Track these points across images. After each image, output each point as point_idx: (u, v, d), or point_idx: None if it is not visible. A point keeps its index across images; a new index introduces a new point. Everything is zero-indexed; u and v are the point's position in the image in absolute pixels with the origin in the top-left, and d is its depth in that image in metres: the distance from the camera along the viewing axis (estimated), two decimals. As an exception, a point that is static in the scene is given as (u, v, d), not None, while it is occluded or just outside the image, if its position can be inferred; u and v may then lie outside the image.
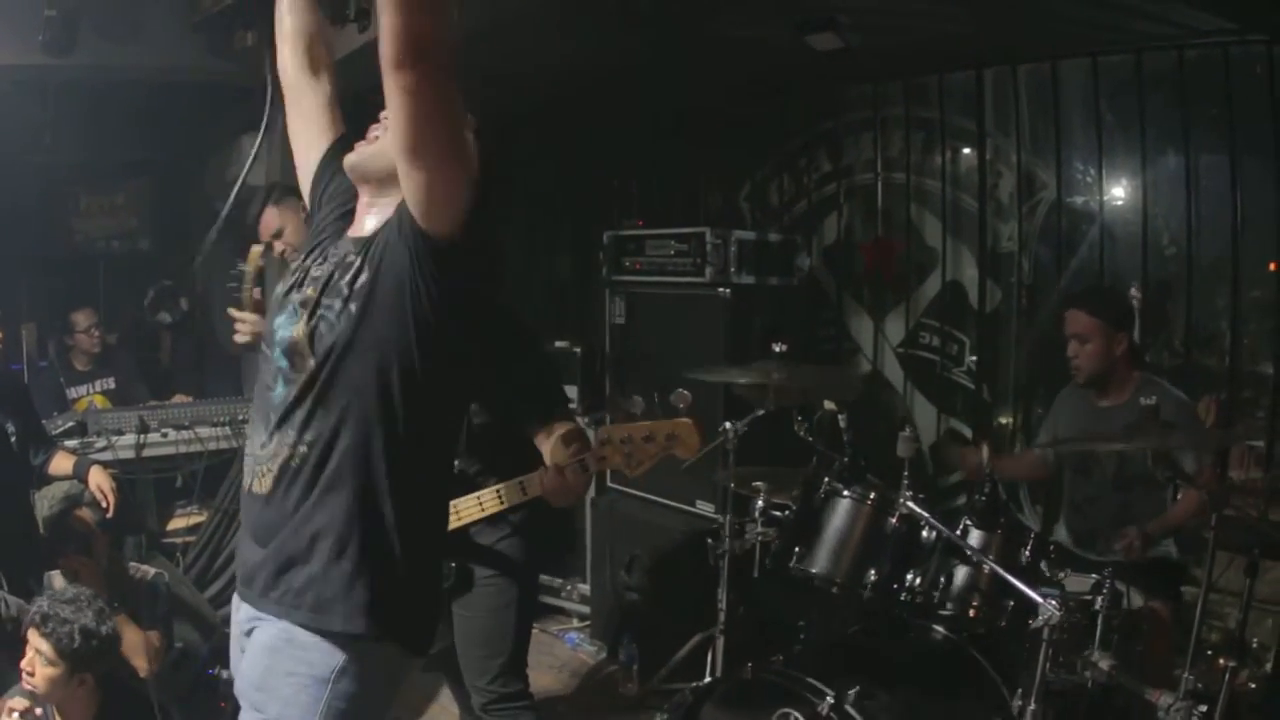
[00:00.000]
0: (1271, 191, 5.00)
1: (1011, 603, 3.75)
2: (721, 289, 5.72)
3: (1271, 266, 5.16)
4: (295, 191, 4.31)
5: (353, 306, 2.31)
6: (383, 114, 2.39)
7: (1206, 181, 5.30)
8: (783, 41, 5.49)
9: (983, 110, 6.19)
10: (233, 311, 4.27)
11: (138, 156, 8.69)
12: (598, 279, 6.52)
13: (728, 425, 4.64)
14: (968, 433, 6.25)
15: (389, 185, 2.36)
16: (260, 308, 4.34)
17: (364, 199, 2.53)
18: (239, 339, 4.35)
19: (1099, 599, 3.75)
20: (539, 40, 5.37)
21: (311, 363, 2.33)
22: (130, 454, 6.38)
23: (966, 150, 6.32)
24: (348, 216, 2.58)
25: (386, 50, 2.04)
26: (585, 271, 7.73)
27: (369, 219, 2.47)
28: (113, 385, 7.30)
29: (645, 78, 6.25)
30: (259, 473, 2.40)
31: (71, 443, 5.95)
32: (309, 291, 2.41)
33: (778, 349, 4.60)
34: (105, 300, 7.88)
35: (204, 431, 6.67)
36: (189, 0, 6.39)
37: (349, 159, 2.50)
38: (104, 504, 5.01)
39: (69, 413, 6.65)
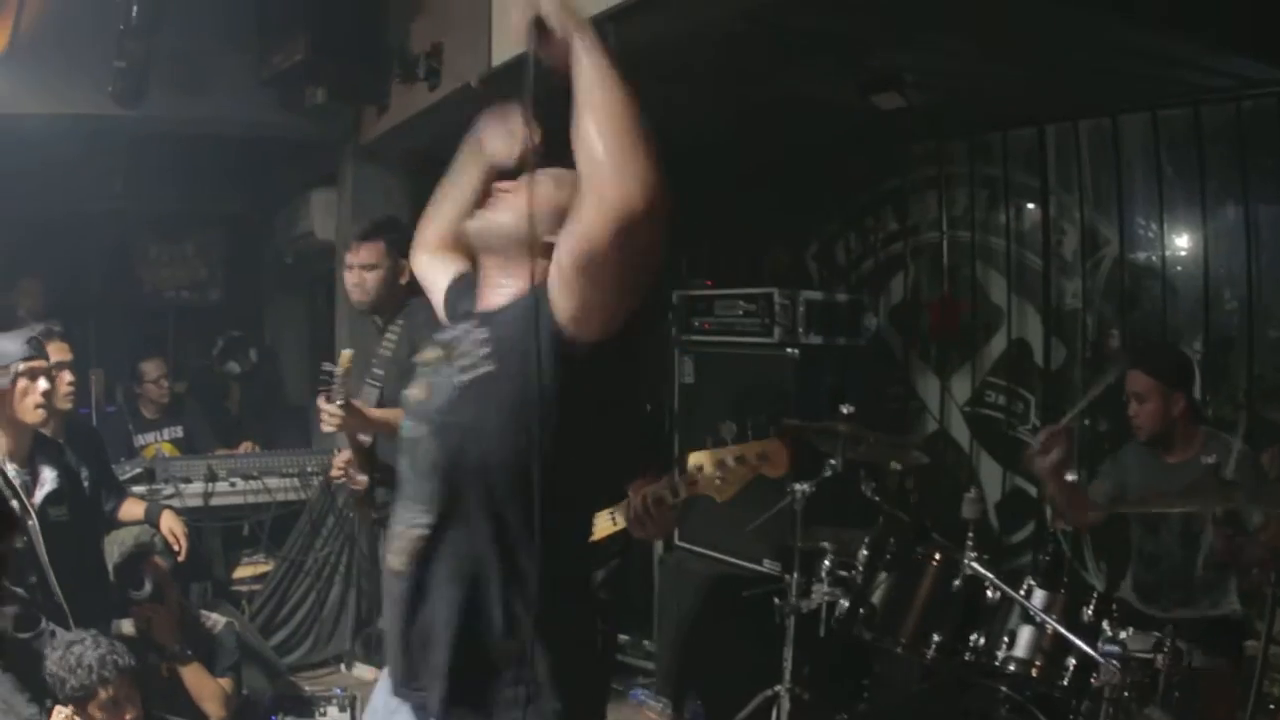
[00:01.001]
0: None
1: (1074, 661, 3.76)
2: (790, 349, 5.71)
3: None
4: (404, 240, 4.39)
5: (464, 380, 2.23)
6: (500, 186, 2.41)
7: (1266, 232, 5.27)
8: (848, 100, 5.51)
9: (1045, 167, 6.17)
10: (321, 403, 4.32)
11: (207, 208, 8.83)
12: (667, 338, 6.50)
13: (796, 486, 4.65)
14: (1032, 491, 6.21)
15: (512, 259, 2.32)
16: (351, 407, 4.37)
17: (486, 269, 2.42)
18: (325, 428, 4.40)
19: (1160, 657, 3.73)
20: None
21: (426, 431, 2.27)
22: (198, 502, 6.48)
23: (1030, 207, 6.29)
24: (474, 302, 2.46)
25: (595, 218, 1.96)
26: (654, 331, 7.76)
27: (496, 294, 2.36)
28: (180, 434, 7.38)
29: (713, 137, 6.29)
30: (394, 548, 2.33)
31: (139, 489, 6.03)
32: (435, 353, 2.37)
33: (845, 410, 4.62)
34: (174, 349, 8.01)
35: (272, 482, 6.75)
36: (259, 56, 6.48)
37: (471, 225, 2.43)
38: (176, 548, 5.08)
39: (137, 459, 6.75)
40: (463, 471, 2.21)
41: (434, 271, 2.77)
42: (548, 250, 2.19)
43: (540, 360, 2.11)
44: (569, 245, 2.03)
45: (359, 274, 4.82)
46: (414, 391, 2.38)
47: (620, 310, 2.11)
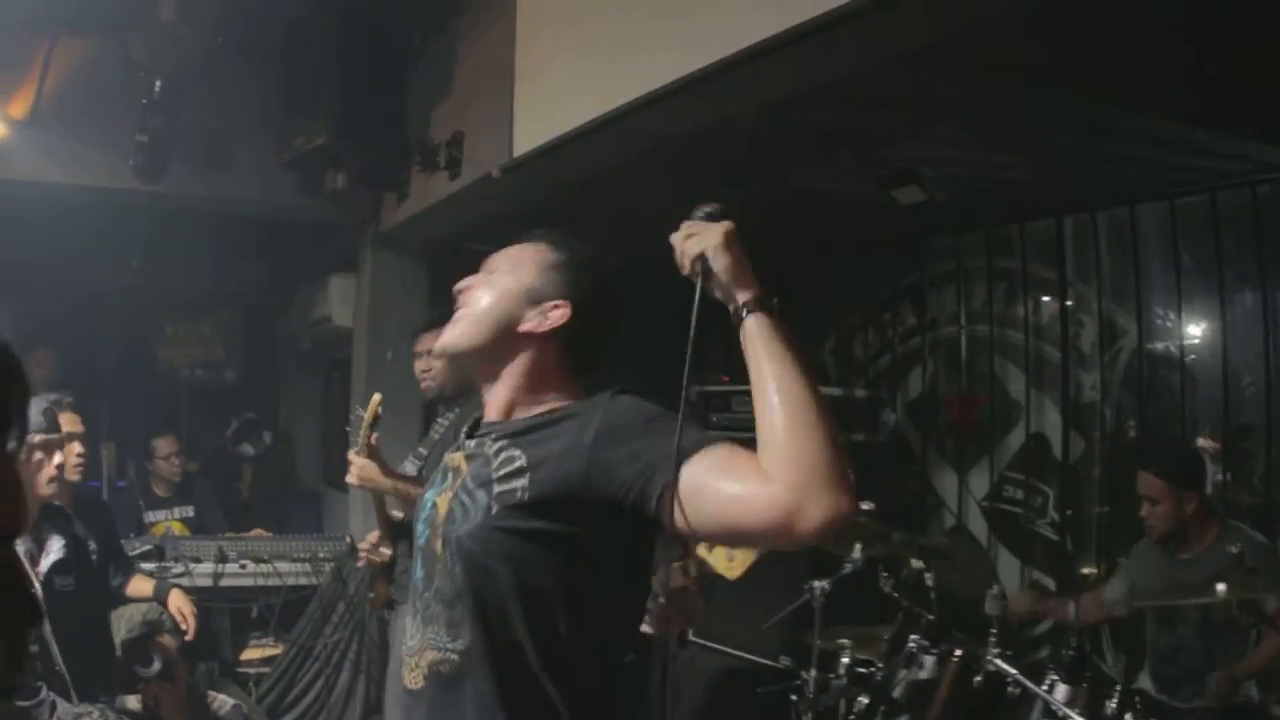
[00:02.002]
0: None
1: (1097, 756, 3.71)
2: (807, 445, 5.67)
3: None
4: None
5: (496, 509, 2.03)
6: (458, 287, 2.25)
7: (1283, 316, 5.27)
8: (866, 195, 5.53)
9: (1063, 258, 6.19)
10: (351, 455, 4.32)
11: (225, 288, 8.86)
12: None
13: (814, 583, 4.62)
14: (1051, 585, 6.15)
15: (492, 361, 2.18)
16: (375, 454, 4.39)
17: (484, 382, 2.24)
18: (350, 480, 4.41)
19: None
20: (634, 193, 5.46)
21: (439, 548, 2.11)
22: (208, 582, 6.47)
23: (1047, 299, 6.30)
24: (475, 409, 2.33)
25: (793, 486, 1.83)
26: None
27: (498, 402, 2.20)
28: (191, 514, 7.37)
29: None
30: (409, 664, 2.15)
31: (148, 566, 6.02)
32: (463, 465, 2.15)
33: (865, 506, 4.59)
34: (187, 428, 8.00)
35: (283, 566, 6.73)
36: (281, 137, 6.51)
37: (440, 343, 2.23)
38: (184, 628, 5.04)
39: (146, 536, 6.75)
40: (493, 602, 2.02)
41: None
42: (524, 340, 2.15)
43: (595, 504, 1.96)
44: (739, 506, 1.89)
45: (427, 362, 4.83)
46: (437, 500, 2.19)
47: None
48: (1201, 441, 5.46)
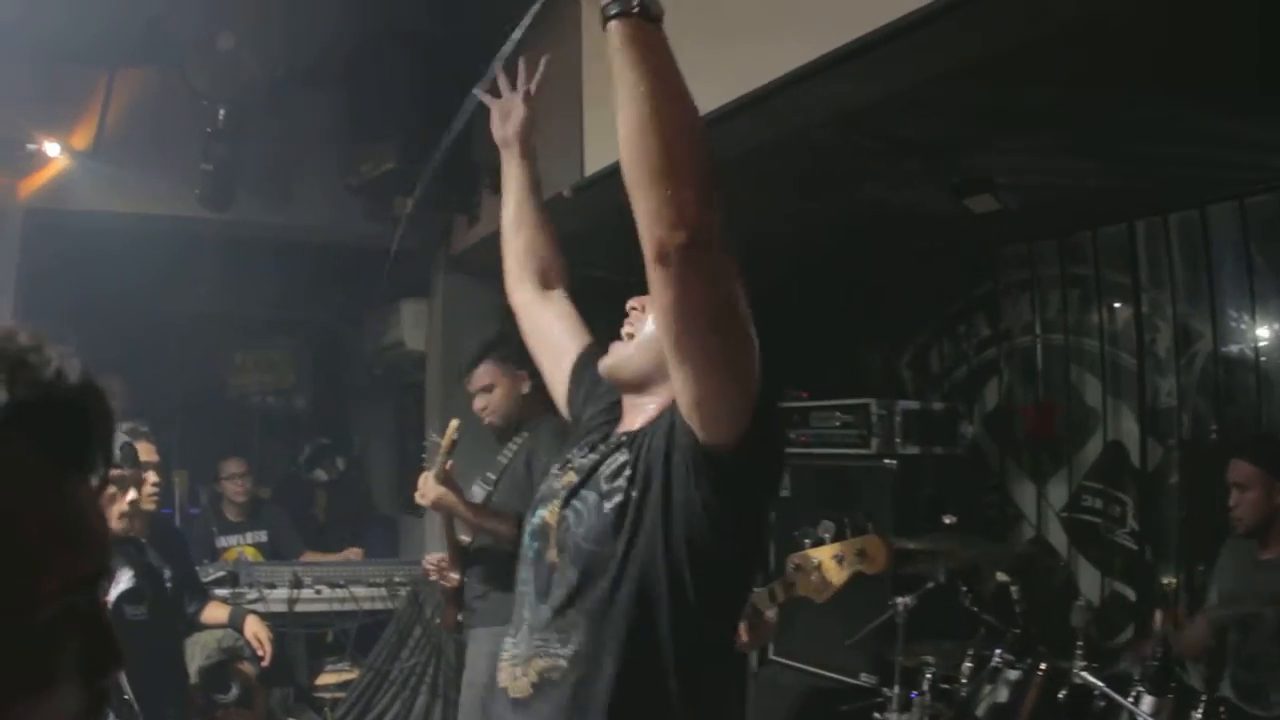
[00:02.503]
0: None
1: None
2: (887, 460, 5.69)
3: None
4: (515, 353, 4.38)
5: (607, 507, 2.12)
6: (631, 304, 2.33)
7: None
8: (940, 205, 5.49)
9: (1136, 263, 6.10)
10: (424, 477, 4.34)
11: (295, 315, 8.93)
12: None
13: (898, 599, 4.58)
14: (1131, 595, 6.07)
15: (652, 384, 2.25)
16: (450, 480, 4.40)
17: (627, 399, 2.34)
18: (420, 500, 4.42)
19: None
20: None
21: (554, 556, 2.18)
22: (282, 608, 6.50)
23: (1121, 305, 6.22)
24: (615, 409, 2.39)
25: (645, 241, 1.86)
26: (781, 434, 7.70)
27: (638, 417, 2.27)
28: (264, 538, 7.40)
29: (803, 245, 6.29)
30: (515, 674, 2.20)
31: (222, 592, 6.07)
32: (570, 477, 2.26)
33: (948, 521, 4.56)
34: (259, 454, 8.03)
35: (359, 591, 6.75)
36: (346, 164, 6.54)
37: (605, 364, 2.34)
38: (260, 653, 5.07)
39: (220, 562, 6.78)
40: (605, 602, 2.09)
41: (549, 328, 2.66)
42: None
43: (687, 475, 2.04)
44: (658, 328, 2.01)
45: (482, 398, 4.87)
46: (545, 516, 2.26)
47: (739, 399, 1.99)
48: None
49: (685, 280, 1.86)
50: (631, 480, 2.12)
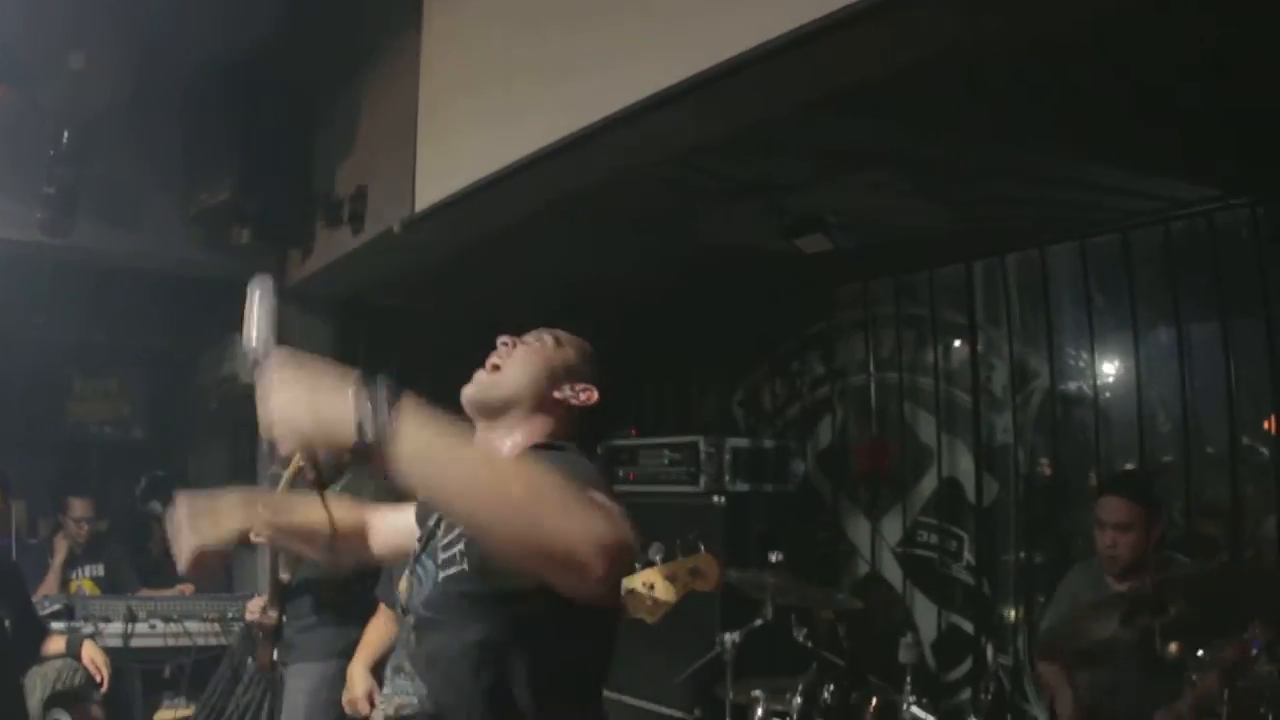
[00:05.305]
0: (1263, 351, 4.93)
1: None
2: (716, 497, 5.70)
3: (1268, 425, 5.05)
4: None
5: (442, 576, 2.19)
6: (501, 339, 2.42)
7: (1198, 350, 5.24)
8: (773, 244, 5.53)
9: (973, 303, 6.20)
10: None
11: (133, 344, 8.75)
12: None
13: (725, 635, 4.59)
14: (968, 628, 6.15)
15: (507, 414, 2.35)
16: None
17: (481, 430, 2.37)
18: (257, 538, 4.32)
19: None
20: (538, 248, 5.43)
21: (410, 621, 2.26)
22: (117, 643, 6.33)
23: (958, 344, 6.32)
24: None
25: (562, 569, 1.75)
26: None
27: None
28: (101, 572, 7.23)
29: (634, 283, 6.30)
30: (385, 711, 2.26)
31: (58, 625, 5.92)
32: (416, 545, 2.35)
33: (774, 558, 4.58)
34: (97, 485, 7.82)
35: (193, 626, 6.61)
36: (187, 192, 6.44)
37: (468, 392, 2.37)
38: (98, 679, 5.02)
39: (56, 595, 6.61)
40: (453, 659, 2.13)
41: (391, 527, 2.67)
42: (556, 406, 2.37)
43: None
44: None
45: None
46: (400, 584, 2.38)
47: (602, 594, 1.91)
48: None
49: (607, 581, 1.79)
50: (463, 554, 2.16)
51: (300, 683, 4.49)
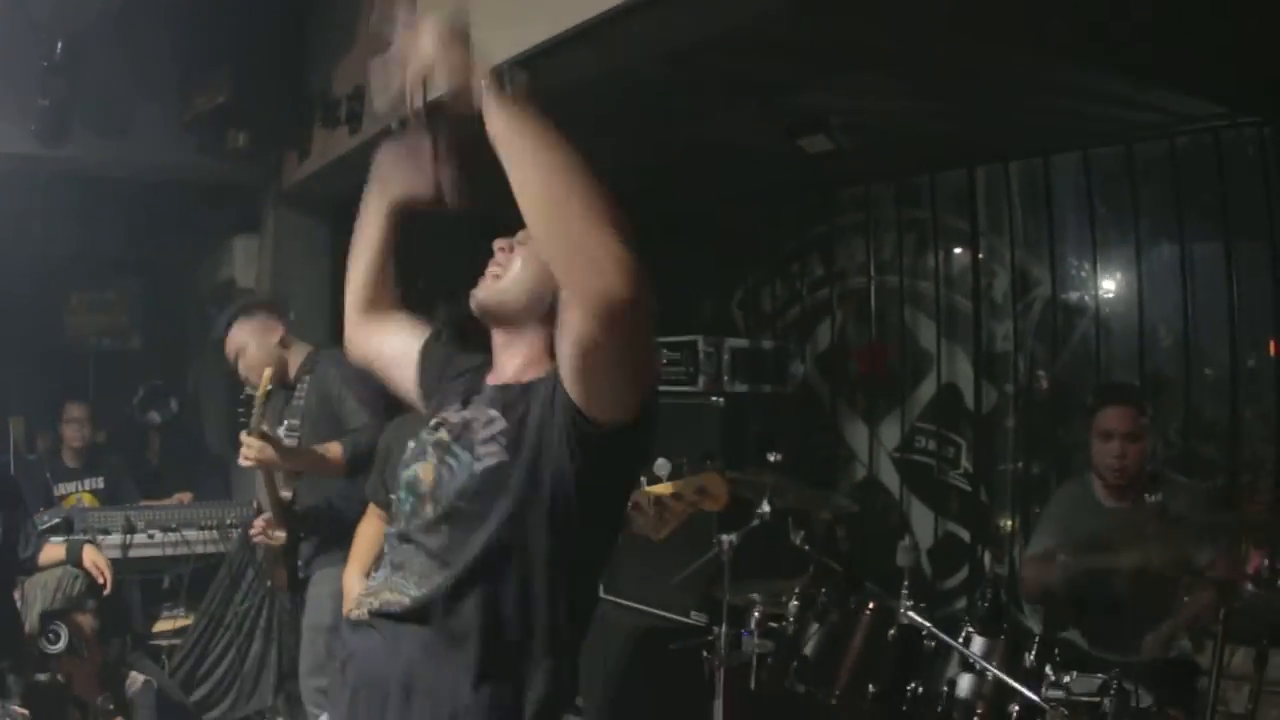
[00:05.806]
0: (1267, 273, 4.94)
1: (1017, 708, 3.67)
2: (715, 398, 5.66)
3: (1269, 349, 5.07)
4: (262, 307, 4.30)
5: (479, 468, 2.15)
6: (498, 244, 2.32)
7: (1201, 268, 5.23)
8: (773, 145, 5.48)
9: (975, 209, 6.16)
10: (244, 435, 4.19)
11: (130, 254, 8.70)
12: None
13: (723, 536, 4.57)
14: (965, 536, 6.16)
15: (523, 322, 2.29)
16: (266, 435, 4.24)
17: (499, 340, 2.35)
18: (244, 463, 4.27)
19: (1106, 700, 3.66)
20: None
21: (430, 511, 2.20)
22: (116, 554, 6.36)
23: (959, 250, 6.29)
24: (481, 369, 2.40)
25: (579, 293, 1.87)
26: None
27: (509, 364, 2.31)
28: (101, 485, 7.27)
29: (633, 185, 6.24)
30: (358, 602, 2.28)
31: (57, 539, 5.91)
32: (443, 435, 2.27)
33: (773, 458, 4.56)
34: (95, 397, 7.81)
35: (191, 534, 6.66)
36: (181, 98, 6.39)
37: (477, 299, 2.31)
38: (101, 580, 5.06)
39: (55, 509, 6.63)
40: (475, 559, 2.12)
41: (387, 340, 2.61)
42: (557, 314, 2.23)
43: (561, 445, 2.07)
44: (566, 344, 1.98)
45: (242, 364, 4.77)
46: (419, 472, 2.27)
47: (637, 391, 2.05)
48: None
49: (633, 328, 1.89)
50: (504, 446, 2.15)
51: (326, 587, 4.46)
